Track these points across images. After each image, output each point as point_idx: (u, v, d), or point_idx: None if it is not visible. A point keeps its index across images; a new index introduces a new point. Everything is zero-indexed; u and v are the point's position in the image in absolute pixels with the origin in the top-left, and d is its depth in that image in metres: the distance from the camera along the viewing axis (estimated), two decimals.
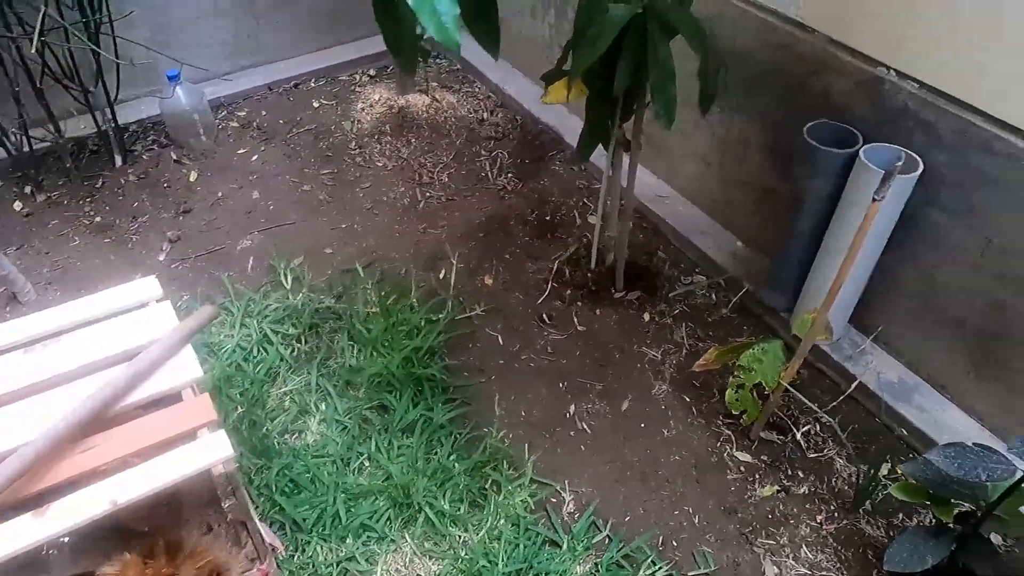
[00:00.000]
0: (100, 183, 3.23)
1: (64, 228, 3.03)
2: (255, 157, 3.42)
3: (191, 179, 3.28)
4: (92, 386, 1.64)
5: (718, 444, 2.31)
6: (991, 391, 2.19)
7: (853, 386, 2.35)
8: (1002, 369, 2.14)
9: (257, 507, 2.07)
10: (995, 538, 2.09)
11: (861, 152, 2.13)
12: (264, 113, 3.68)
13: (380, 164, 3.41)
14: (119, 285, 1.94)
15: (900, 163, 1.52)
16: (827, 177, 2.24)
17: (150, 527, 1.77)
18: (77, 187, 3.19)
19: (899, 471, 1.97)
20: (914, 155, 2.10)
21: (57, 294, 2.72)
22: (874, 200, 1.61)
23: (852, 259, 1.77)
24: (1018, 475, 1.66)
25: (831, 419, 2.20)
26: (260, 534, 1.83)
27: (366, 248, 2.97)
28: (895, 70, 2.10)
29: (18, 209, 3.09)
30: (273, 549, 1.87)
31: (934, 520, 1.86)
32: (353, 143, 3.51)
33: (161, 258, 2.91)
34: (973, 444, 1.75)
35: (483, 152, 3.48)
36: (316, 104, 3.76)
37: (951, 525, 1.82)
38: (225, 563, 1.73)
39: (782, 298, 2.57)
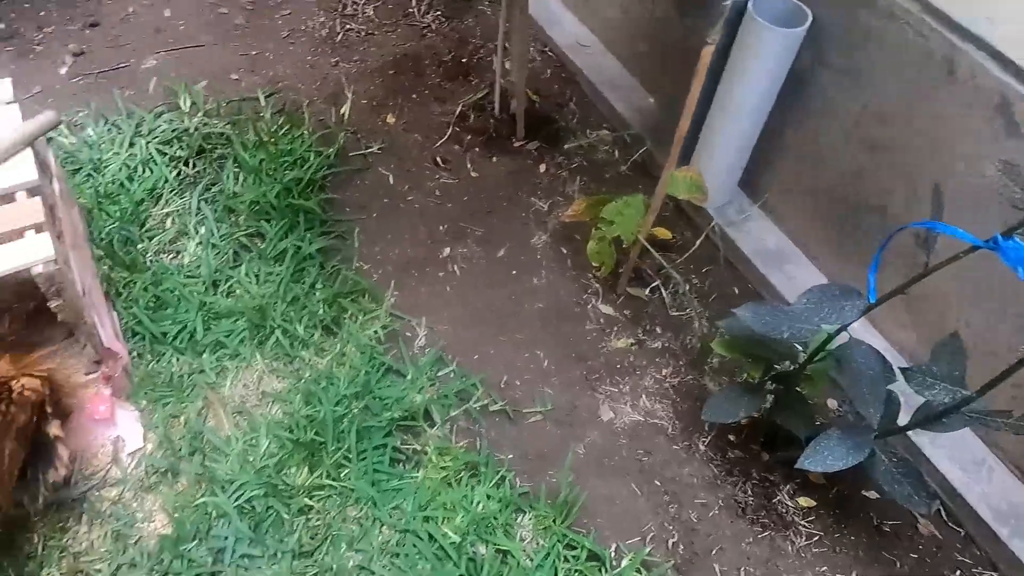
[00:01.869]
0: None
1: None
2: None
3: None
4: None
5: (584, 296, 2.34)
6: (852, 259, 2.18)
7: (698, 242, 2.37)
8: (859, 237, 2.12)
9: (122, 316, 2.14)
10: (832, 403, 2.17)
11: (751, 2, 2.01)
12: None
13: None
14: None
15: (728, 3, 1.43)
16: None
17: (16, 310, 1.84)
18: None
19: (719, 325, 2.00)
20: (804, 7, 1.98)
21: None
22: (707, 44, 1.54)
23: (689, 111, 1.71)
24: (824, 336, 1.69)
25: (679, 277, 2.23)
26: (98, 338, 1.89)
27: (273, 77, 2.89)
28: None
29: None
30: (113, 353, 1.94)
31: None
32: None
33: (63, 71, 2.84)
34: (789, 305, 1.77)
35: None
36: None
37: (766, 383, 1.87)
38: (56, 368, 1.81)
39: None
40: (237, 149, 2.53)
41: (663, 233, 2.42)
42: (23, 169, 1.77)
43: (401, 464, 1.94)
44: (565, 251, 2.44)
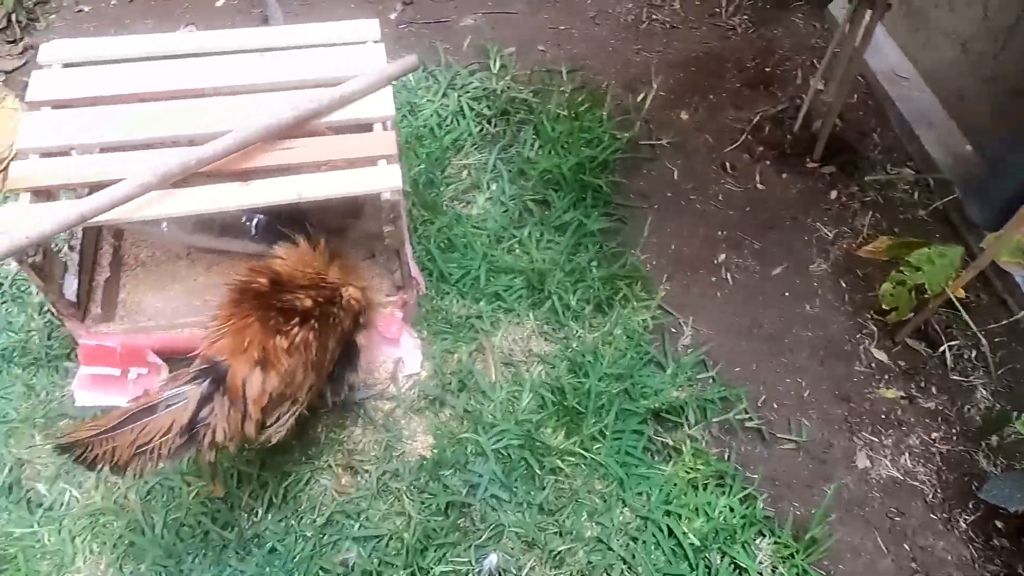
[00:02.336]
0: None
1: None
2: None
3: None
4: (301, 98, 1.87)
5: (858, 336, 2.24)
6: None
7: (1015, 317, 2.17)
8: None
9: (415, 250, 2.33)
10: None
11: None
12: None
13: None
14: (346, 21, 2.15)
15: None
16: None
17: (334, 228, 2.07)
18: None
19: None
20: None
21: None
22: None
23: None
24: None
25: (988, 346, 2.06)
26: (408, 266, 2.08)
27: (576, 54, 2.98)
28: None
29: None
30: (416, 283, 2.12)
31: None
32: None
33: (392, 16, 3.10)
34: None
35: None
36: None
37: None
38: (370, 286, 2.01)
39: (990, 216, 2.31)
40: (539, 117, 2.65)
41: (958, 291, 2.26)
42: (383, 104, 1.97)
43: (651, 454, 1.98)
44: (844, 284, 2.35)
